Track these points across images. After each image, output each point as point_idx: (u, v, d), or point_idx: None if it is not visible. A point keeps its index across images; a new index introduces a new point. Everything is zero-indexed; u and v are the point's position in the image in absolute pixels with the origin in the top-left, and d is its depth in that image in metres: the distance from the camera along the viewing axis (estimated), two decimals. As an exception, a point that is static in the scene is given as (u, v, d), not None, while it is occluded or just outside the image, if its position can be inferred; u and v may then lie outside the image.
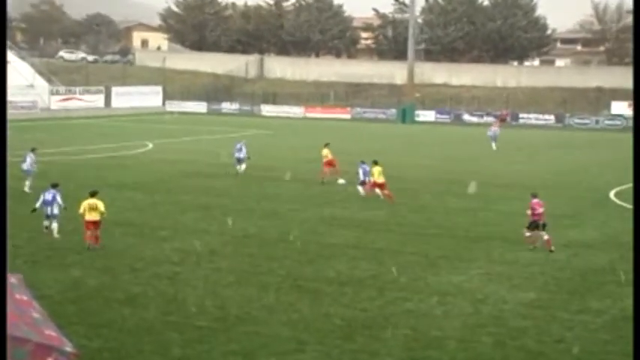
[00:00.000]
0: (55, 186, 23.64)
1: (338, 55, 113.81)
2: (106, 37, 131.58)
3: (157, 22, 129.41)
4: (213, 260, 20.61)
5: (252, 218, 26.32)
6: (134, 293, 17.39)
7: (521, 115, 76.56)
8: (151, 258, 20.69)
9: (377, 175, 30.10)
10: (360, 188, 31.10)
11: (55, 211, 22.88)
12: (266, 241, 23.05)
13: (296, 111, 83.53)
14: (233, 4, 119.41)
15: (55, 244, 21.82)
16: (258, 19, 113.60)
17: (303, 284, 18.37)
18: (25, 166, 31.75)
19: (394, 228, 25.18)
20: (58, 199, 23.05)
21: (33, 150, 32.74)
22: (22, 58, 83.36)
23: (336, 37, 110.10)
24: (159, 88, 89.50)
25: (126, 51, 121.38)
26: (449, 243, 23.10)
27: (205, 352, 13.92)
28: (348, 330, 15.16)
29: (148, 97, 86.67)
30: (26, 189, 30.39)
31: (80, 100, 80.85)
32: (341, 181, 33.99)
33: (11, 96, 73.86)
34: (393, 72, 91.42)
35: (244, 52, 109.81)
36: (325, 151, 35.83)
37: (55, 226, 22.74)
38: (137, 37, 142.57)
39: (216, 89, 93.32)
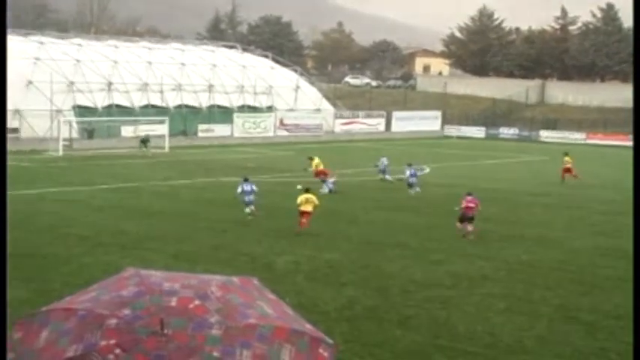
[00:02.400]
0: (246, 180, 29.69)
1: (624, 79, 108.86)
2: (389, 62, 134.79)
3: (439, 47, 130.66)
4: (485, 285, 20.32)
5: (523, 244, 25.72)
6: (406, 315, 17.50)
7: None
8: (424, 280, 20.76)
9: None
10: None
11: (252, 198, 28.83)
12: (538, 268, 22.40)
13: (577, 137, 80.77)
14: (517, 29, 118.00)
15: (333, 262, 22.51)
16: (541, 43, 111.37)
17: (577, 316, 17.63)
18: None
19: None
20: (254, 188, 29.15)
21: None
22: (312, 83, 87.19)
23: (623, 61, 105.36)
24: (438, 113, 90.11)
25: (408, 76, 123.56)
26: None
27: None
28: (624, 368, 14.33)
29: (427, 122, 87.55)
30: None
31: (362, 123, 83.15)
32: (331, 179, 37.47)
33: (300, 119, 77.69)
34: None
35: (524, 76, 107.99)
36: (316, 161, 39.95)
37: (252, 208, 28.71)
38: (419, 63, 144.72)
39: (495, 114, 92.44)
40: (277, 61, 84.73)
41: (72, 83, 64.98)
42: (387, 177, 39.25)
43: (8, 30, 77.26)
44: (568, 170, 42.02)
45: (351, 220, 30.15)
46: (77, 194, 35.28)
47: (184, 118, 70.25)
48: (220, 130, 70.71)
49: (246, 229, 27.28)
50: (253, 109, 76.28)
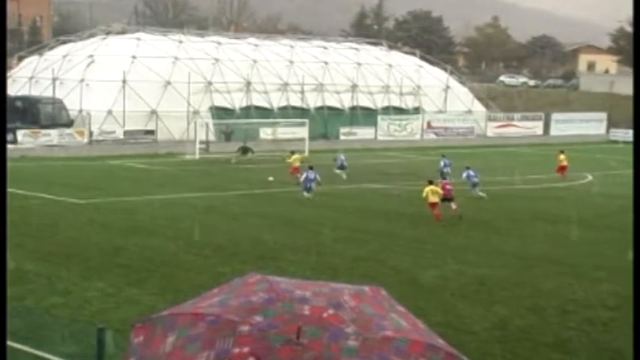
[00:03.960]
0: (311, 168, 36.54)
1: None
2: (549, 60, 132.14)
3: (606, 43, 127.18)
4: (653, 309, 19.65)
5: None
6: (564, 338, 17.17)
7: None
8: (584, 300, 20.28)
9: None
10: None
11: (313, 186, 35.40)
12: None
13: None
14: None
15: (484, 279, 22.27)
16: None
17: None
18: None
19: None
20: (318, 177, 35.89)
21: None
22: (463, 83, 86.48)
23: None
24: (603, 115, 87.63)
25: (570, 75, 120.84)
26: None
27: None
28: None
29: (590, 125, 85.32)
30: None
31: (517, 127, 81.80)
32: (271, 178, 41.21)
33: (450, 122, 77.24)
34: None
35: None
36: (296, 157, 43.51)
37: (311, 194, 35.10)
38: (583, 60, 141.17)
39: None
40: (426, 59, 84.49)
41: (210, 83, 66.82)
42: (480, 193, 38.23)
43: (147, 29, 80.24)
44: (563, 168, 46.72)
45: (503, 232, 29.79)
46: (213, 200, 36.26)
47: (325, 120, 71.04)
48: (363, 133, 71.11)
49: (390, 239, 27.37)
50: (399, 111, 76.33)
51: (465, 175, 38.88)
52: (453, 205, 31.52)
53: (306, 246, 25.96)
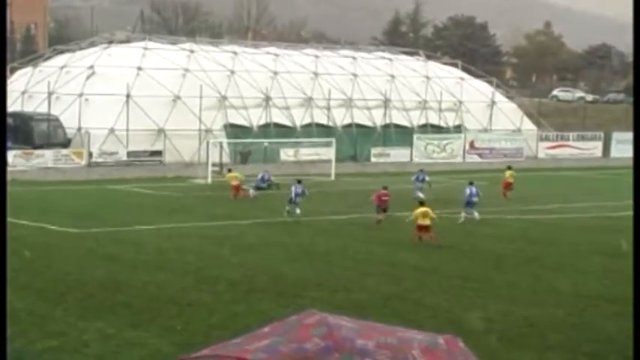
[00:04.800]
0: (299, 181, 40.39)
1: None
2: (609, 71, 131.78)
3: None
4: None
5: None
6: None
7: None
8: (649, 346, 20.10)
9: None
10: None
11: (299, 200, 38.96)
12: None
13: None
14: None
15: (535, 320, 22.13)
16: None
17: None
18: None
19: None
20: (306, 191, 39.92)
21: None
22: (511, 97, 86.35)
23: None
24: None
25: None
26: None
27: None
28: None
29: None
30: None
31: (573, 147, 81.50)
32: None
33: (495, 142, 77.04)
34: None
35: None
36: (232, 174, 47.99)
37: (298, 211, 38.63)
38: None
39: None
40: (468, 71, 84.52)
41: (224, 98, 67.14)
42: (475, 214, 40.00)
43: (154, 37, 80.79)
44: (508, 185, 48.96)
45: (555, 267, 29.64)
46: (226, 229, 36.32)
47: (354, 139, 71.11)
48: (397, 154, 71.14)
49: (429, 276, 27.29)
50: (438, 129, 76.30)
51: (467, 191, 39.97)
52: (381, 216, 37.81)
53: (331, 281, 25.92)
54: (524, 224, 39.98)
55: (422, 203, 34.72)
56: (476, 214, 39.50)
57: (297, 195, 39.28)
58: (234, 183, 47.07)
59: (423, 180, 48.27)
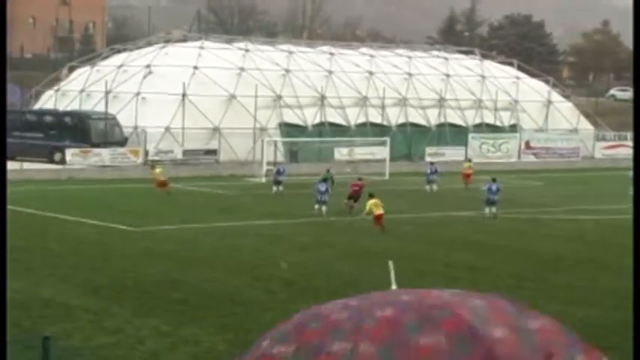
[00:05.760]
0: (324, 180, 41.72)
1: None
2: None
3: None
4: None
5: None
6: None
7: None
8: None
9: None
10: None
11: (326, 197, 39.34)
12: None
13: None
14: None
15: (589, 320, 21.91)
16: None
17: None
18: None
19: None
20: (329, 189, 40.24)
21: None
22: (567, 97, 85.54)
23: None
24: None
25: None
26: None
27: None
28: None
29: None
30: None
31: (630, 147, 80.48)
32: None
33: (552, 142, 76.41)
34: None
35: None
36: (158, 171, 47.27)
37: (324, 208, 39.06)
38: None
39: None
40: (525, 70, 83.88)
41: (279, 97, 67.29)
42: (493, 211, 39.45)
43: (210, 37, 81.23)
44: (467, 176, 52.22)
45: (614, 268, 29.29)
46: (280, 228, 36.40)
47: (409, 138, 70.93)
48: (452, 153, 70.76)
49: (483, 276, 27.15)
50: (493, 129, 75.86)
51: (485, 187, 39.84)
52: (353, 204, 39.60)
53: (386, 280, 25.79)
54: (580, 225, 39.61)
55: (372, 195, 36.41)
56: (492, 210, 39.45)
57: (321, 193, 39.87)
58: (161, 179, 46.59)
59: (435, 172, 50.60)
